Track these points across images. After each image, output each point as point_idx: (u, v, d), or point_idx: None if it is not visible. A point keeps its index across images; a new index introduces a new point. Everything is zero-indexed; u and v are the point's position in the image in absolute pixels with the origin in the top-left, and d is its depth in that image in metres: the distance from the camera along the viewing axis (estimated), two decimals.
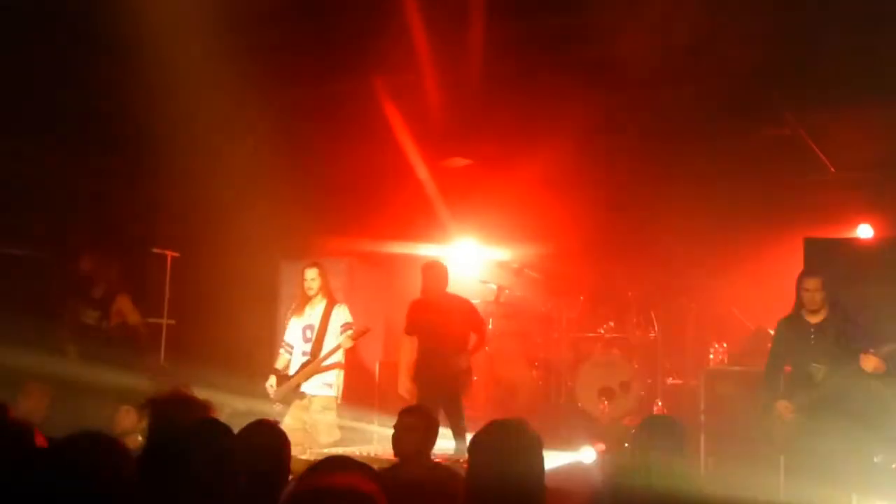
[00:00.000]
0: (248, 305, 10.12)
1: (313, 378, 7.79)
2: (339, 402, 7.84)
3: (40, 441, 3.57)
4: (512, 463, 3.22)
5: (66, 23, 7.63)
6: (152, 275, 9.55)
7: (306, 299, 8.01)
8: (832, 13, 7.36)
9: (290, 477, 3.76)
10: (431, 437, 5.23)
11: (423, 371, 8.18)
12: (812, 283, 6.68)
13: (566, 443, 8.79)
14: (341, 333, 7.81)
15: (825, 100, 8.74)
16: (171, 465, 2.60)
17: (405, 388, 8.19)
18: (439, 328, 8.13)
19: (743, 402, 8.14)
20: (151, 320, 9.34)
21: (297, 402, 7.75)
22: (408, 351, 8.34)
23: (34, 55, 7.95)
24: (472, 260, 11.50)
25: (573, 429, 9.51)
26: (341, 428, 8.09)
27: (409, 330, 8.39)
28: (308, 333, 7.91)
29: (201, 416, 3.56)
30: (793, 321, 6.84)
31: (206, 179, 9.50)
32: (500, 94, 9.14)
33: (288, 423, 7.31)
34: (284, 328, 8.27)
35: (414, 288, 8.58)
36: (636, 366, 10.18)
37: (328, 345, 7.78)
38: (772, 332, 7.71)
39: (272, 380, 7.82)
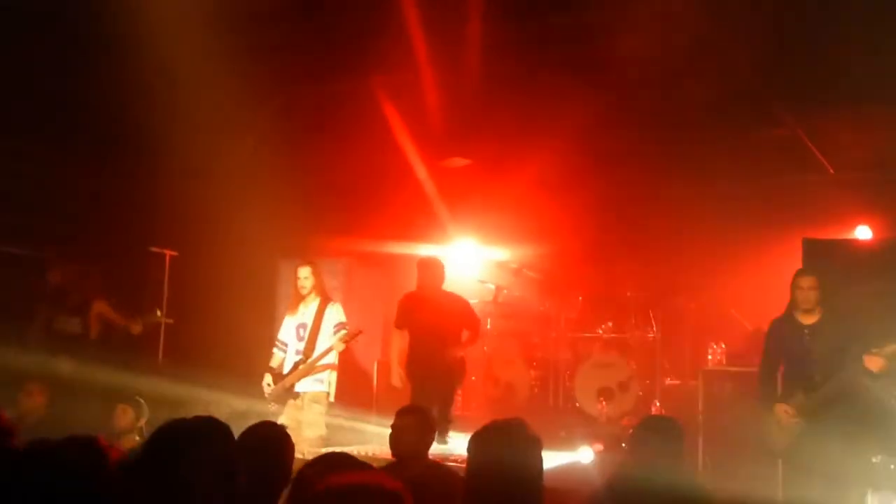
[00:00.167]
0: (247, 305, 10.11)
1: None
2: (330, 399, 7.78)
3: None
4: (511, 463, 3.22)
5: (66, 22, 7.62)
6: (151, 274, 9.55)
7: (300, 298, 7.98)
8: (830, 13, 7.37)
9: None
10: (428, 436, 5.24)
11: (416, 366, 8.19)
12: (807, 282, 6.65)
13: (564, 443, 8.78)
14: (334, 333, 7.77)
15: (824, 100, 8.74)
16: (171, 465, 2.60)
17: (398, 379, 8.22)
18: (431, 324, 8.14)
19: (741, 403, 8.14)
20: (157, 312, 9.34)
21: (291, 402, 7.73)
22: (398, 343, 8.38)
23: (33, 55, 7.94)
24: (471, 260, 11.50)
25: (571, 429, 9.52)
26: (339, 427, 8.08)
27: (399, 323, 8.41)
28: (301, 332, 7.87)
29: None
30: (786, 322, 6.78)
31: (205, 179, 9.50)
32: (498, 94, 9.14)
33: (283, 423, 7.30)
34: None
35: (412, 287, 8.59)
36: (634, 366, 10.19)
37: (321, 344, 7.74)
38: None
39: (268, 378, 7.78)
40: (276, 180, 9.50)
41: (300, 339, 7.85)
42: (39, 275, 8.94)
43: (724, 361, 9.81)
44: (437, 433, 7.59)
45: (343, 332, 7.75)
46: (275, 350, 8.02)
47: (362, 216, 10.61)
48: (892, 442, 6.88)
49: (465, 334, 8.34)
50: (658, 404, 10.09)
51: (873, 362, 6.21)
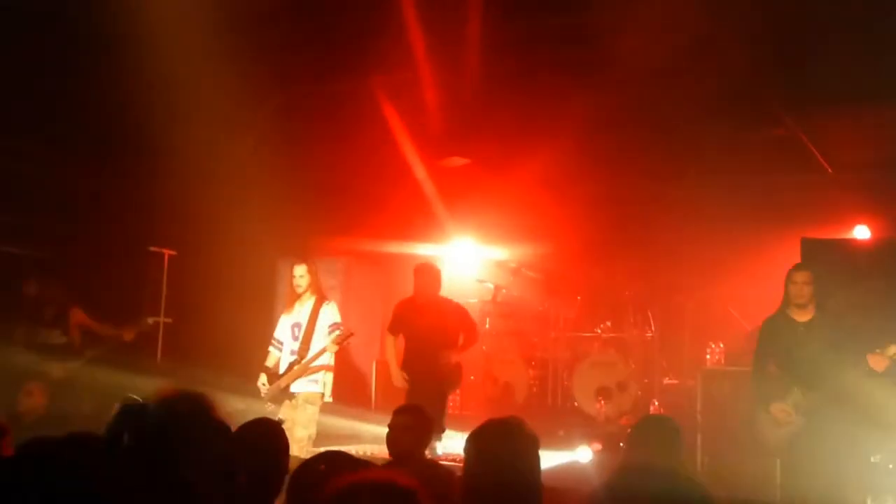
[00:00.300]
0: (245, 304, 10.11)
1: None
2: (326, 399, 7.72)
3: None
4: (508, 462, 3.21)
5: (66, 22, 7.62)
6: (149, 273, 9.55)
7: (295, 296, 7.90)
8: (829, 13, 7.38)
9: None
10: (425, 435, 5.26)
11: (411, 370, 8.19)
12: (801, 276, 6.61)
13: (563, 442, 8.80)
14: (329, 334, 7.69)
15: (823, 100, 8.75)
16: (171, 465, 2.61)
17: (399, 378, 8.20)
18: (425, 329, 8.12)
19: (739, 402, 8.14)
20: (148, 319, 9.34)
21: (286, 402, 7.70)
22: (391, 346, 8.37)
23: (33, 55, 7.94)
24: (470, 259, 11.51)
25: (570, 428, 9.53)
26: (338, 427, 8.07)
27: (393, 329, 8.41)
28: (296, 331, 7.79)
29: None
30: (780, 319, 6.71)
31: (204, 178, 9.50)
32: (497, 93, 9.15)
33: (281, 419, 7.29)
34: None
35: (411, 287, 8.59)
36: (633, 365, 10.20)
37: (316, 344, 7.67)
38: None
39: (263, 378, 7.71)
40: (275, 180, 9.50)
41: (295, 338, 7.80)
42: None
43: (723, 361, 9.81)
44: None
45: (337, 332, 7.69)
46: (270, 349, 7.96)
47: (361, 215, 10.62)
48: (891, 442, 6.88)
49: (461, 338, 8.32)
50: (656, 403, 10.11)
51: (877, 362, 6.17)
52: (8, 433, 4.19)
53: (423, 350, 8.11)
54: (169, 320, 9.30)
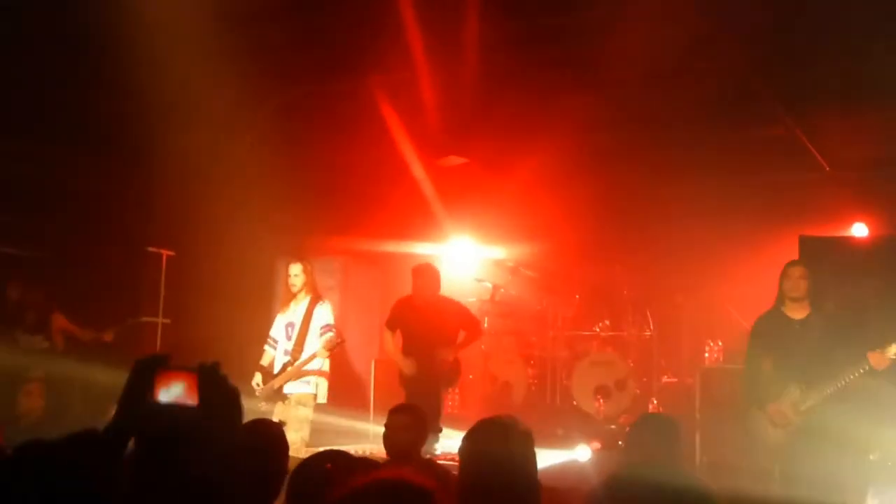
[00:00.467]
0: (244, 304, 10.10)
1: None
2: (318, 400, 7.66)
3: None
4: (503, 460, 3.21)
5: (66, 23, 7.61)
6: (148, 273, 9.54)
7: (291, 295, 7.88)
8: (827, 12, 7.37)
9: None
10: (422, 434, 5.28)
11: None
12: (797, 271, 6.55)
13: (562, 441, 8.79)
14: (321, 335, 7.63)
15: (821, 99, 8.75)
16: (170, 464, 2.59)
17: (408, 366, 8.17)
18: (423, 326, 8.12)
19: (738, 401, 8.14)
20: (146, 319, 9.34)
21: (279, 403, 7.66)
22: (390, 341, 8.37)
23: (33, 55, 7.93)
24: (468, 258, 11.51)
25: (569, 427, 9.52)
26: (336, 427, 8.06)
27: (391, 324, 8.41)
28: (290, 331, 7.76)
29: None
30: (774, 317, 6.62)
31: (202, 179, 9.50)
32: (495, 92, 9.14)
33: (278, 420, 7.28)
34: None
35: (409, 287, 8.58)
36: (632, 364, 10.20)
37: (309, 344, 7.63)
38: None
39: (258, 377, 7.67)
40: (273, 179, 9.49)
41: (288, 337, 7.76)
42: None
43: (722, 359, 9.83)
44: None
45: (329, 334, 7.61)
46: (266, 347, 7.93)
47: (359, 215, 10.61)
48: (889, 439, 6.87)
49: (461, 335, 8.32)
50: (655, 402, 10.11)
51: (879, 360, 6.14)
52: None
53: (420, 348, 8.11)
54: (167, 321, 9.29)
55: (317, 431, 7.77)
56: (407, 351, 8.25)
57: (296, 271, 7.82)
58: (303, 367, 7.55)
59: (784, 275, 6.59)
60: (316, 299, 7.80)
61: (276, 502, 3.52)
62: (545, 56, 8.69)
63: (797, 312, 6.57)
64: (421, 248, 10.80)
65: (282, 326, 7.87)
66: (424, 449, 5.63)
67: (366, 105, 9.34)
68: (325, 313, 7.77)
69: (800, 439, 6.38)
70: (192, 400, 2.58)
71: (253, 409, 7.32)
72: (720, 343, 10.05)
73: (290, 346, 7.69)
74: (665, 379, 10.45)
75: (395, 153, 10.06)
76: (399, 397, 7.88)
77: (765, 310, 6.79)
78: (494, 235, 11.33)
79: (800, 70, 8.32)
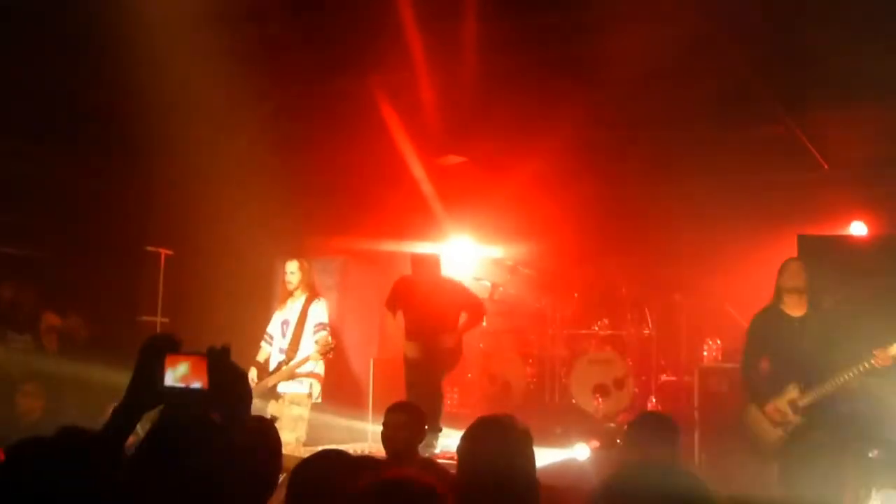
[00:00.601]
0: (243, 304, 10.10)
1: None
2: (312, 399, 7.66)
3: None
4: (501, 458, 3.21)
5: (65, 22, 7.61)
6: (146, 273, 9.54)
7: (287, 293, 7.94)
8: (827, 11, 7.37)
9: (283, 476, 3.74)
10: (419, 432, 5.30)
11: (410, 352, 8.21)
12: (794, 265, 6.56)
13: (560, 440, 8.79)
14: (314, 333, 7.67)
15: (820, 98, 8.75)
16: (170, 464, 2.60)
17: (412, 350, 8.18)
18: (423, 306, 8.14)
19: (737, 399, 8.15)
20: (145, 318, 9.33)
21: (273, 401, 7.68)
22: (392, 323, 8.37)
23: (33, 55, 7.93)
24: (467, 257, 11.51)
25: (567, 426, 9.52)
26: (335, 425, 8.06)
27: (390, 304, 8.42)
28: (285, 328, 7.81)
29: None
30: (772, 315, 6.63)
31: (201, 178, 9.49)
32: (494, 92, 9.13)
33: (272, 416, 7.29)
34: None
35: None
36: (630, 363, 10.20)
37: (304, 343, 7.67)
38: None
39: (253, 373, 7.68)
40: (271, 179, 9.50)
41: (284, 335, 7.81)
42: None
43: (720, 358, 9.83)
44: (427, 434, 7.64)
45: (322, 333, 7.65)
46: (263, 343, 7.97)
47: (358, 214, 10.61)
48: (888, 437, 6.87)
49: (463, 317, 8.32)
50: (654, 401, 10.12)
51: (880, 359, 6.11)
52: None
53: (419, 329, 8.14)
54: (166, 320, 9.29)
55: (315, 430, 7.77)
56: (409, 334, 8.26)
57: (292, 269, 7.86)
58: (296, 368, 7.57)
59: (782, 270, 6.58)
60: (312, 297, 7.83)
61: (275, 502, 3.52)
62: (544, 56, 8.69)
63: (795, 310, 6.56)
64: (420, 248, 10.78)
65: (278, 324, 7.92)
66: (424, 443, 5.64)
67: (365, 105, 9.33)
68: (319, 311, 7.80)
69: (799, 438, 6.38)
70: (201, 383, 2.59)
71: (254, 407, 7.33)
72: (719, 342, 10.06)
73: (285, 343, 7.73)
74: (664, 377, 10.46)
75: (394, 153, 10.06)
76: (397, 396, 7.88)
77: (762, 307, 6.79)
78: (493, 234, 11.33)
79: (800, 70, 8.31)
